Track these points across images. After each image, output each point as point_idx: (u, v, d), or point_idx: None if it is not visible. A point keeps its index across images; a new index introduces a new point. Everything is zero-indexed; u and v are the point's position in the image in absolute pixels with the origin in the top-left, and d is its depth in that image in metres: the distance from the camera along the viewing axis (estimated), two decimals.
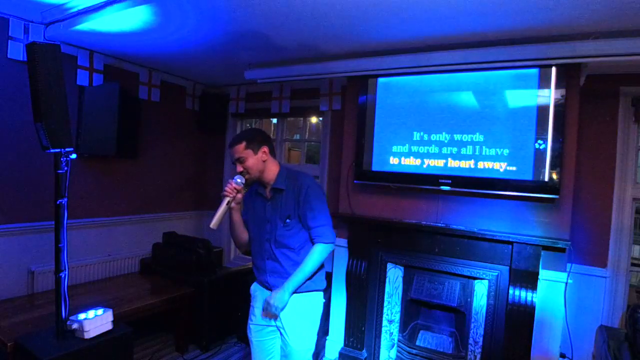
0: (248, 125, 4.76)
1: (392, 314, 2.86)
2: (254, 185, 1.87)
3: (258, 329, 1.87)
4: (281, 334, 1.81)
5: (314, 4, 2.06)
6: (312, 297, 1.81)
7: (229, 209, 1.78)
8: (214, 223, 1.71)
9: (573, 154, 2.38)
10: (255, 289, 1.91)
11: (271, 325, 1.83)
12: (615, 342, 2.28)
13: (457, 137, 2.58)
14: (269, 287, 1.81)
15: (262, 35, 2.59)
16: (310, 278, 1.75)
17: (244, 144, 1.74)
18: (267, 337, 1.86)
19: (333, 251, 3.11)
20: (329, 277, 3.12)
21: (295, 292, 1.74)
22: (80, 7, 2.40)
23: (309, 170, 3.92)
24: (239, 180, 1.73)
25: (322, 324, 2.98)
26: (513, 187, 2.41)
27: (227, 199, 1.72)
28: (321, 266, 1.82)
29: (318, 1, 2.03)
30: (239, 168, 1.75)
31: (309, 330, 1.81)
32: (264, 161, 1.77)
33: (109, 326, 1.99)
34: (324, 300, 1.88)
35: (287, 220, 1.75)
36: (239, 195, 1.76)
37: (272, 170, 1.80)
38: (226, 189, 1.72)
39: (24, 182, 2.78)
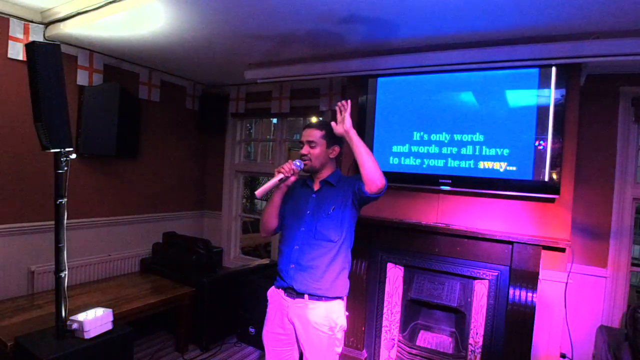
0: (248, 125, 4.76)
1: (392, 314, 2.85)
2: (303, 177, 1.85)
3: (274, 337, 1.81)
4: (299, 343, 1.77)
5: (315, 4, 2.06)
6: (332, 306, 1.72)
7: (278, 187, 1.75)
8: (259, 191, 1.66)
9: (573, 154, 2.38)
10: (272, 294, 1.85)
11: (289, 335, 1.78)
12: (615, 342, 2.28)
13: (457, 137, 2.58)
14: (288, 283, 1.74)
15: (263, 35, 2.59)
16: (367, 162, 1.59)
17: (323, 132, 1.77)
18: (285, 346, 1.80)
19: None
20: None
21: (314, 296, 1.69)
22: (80, 7, 2.40)
23: None
24: (298, 164, 1.72)
25: None
26: (513, 187, 2.42)
27: (281, 176, 1.68)
28: (345, 271, 1.77)
29: (318, 2, 2.03)
30: (304, 150, 1.77)
31: (327, 342, 1.71)
32: (330, 158, 1.80)
33: (109, 326, 1.99)
34: (346, 312, 1.80)
35: (330, 212, 1.73)
36: (292, 179, 1.73)
37: (329, 169, 1.83)
38: (284, 166, 1.70)
39: (23, 182, 2.78)
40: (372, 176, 1.59)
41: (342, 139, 1.79)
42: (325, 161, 1.79)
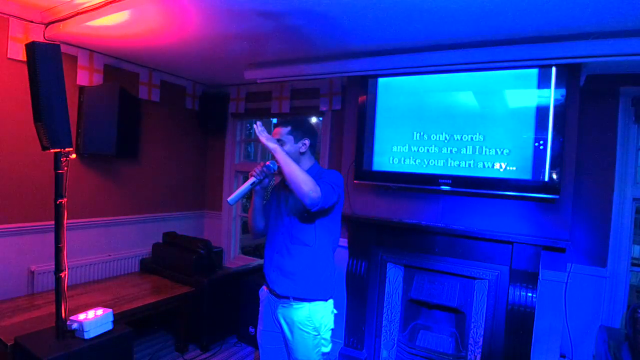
0: (248, 125, 4.76)
1: (392, 314, 2.86)
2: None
3: (267, 335, 1.83)
4: (286, 343, 1.77)
5: (315, 4, 2.06)
6: (317, 306, 1.72)
7: (252, 190, 1.73)
8: (231, 198, 1.65)
9: (573, 154, 2.38)
10: (263, 293, 1.87)
11: (278, 332, 1.79)
12: (615, 342, 2.28)
13: (457, 137, 2.58)
14: (271, 286, 1.77)
15: (263, 35, 2.59)
16: (288, 176, 1.54)
17: (289, 128, 1.74)
18: (278, 344, 1.81)
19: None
20: None
21: (299, 299, 1.70)
22: (81, 7, 2.40)
23: None
24: (270, 165, 1.67)
25: None
26: (513, 187, 2.41)
27: (252, 179, 1.67)
28: (328, 273, 1.76)
29: (318, 2, 2.03)
30: None
31: (312, 342, 1.71)
32: (301, 153, 1.75)
33: (109, 326, 1.99)
34: (333, 311, 1.79)
35: (305, 215, 1.71)
36: (266, 181, 1.72)
37: (304, 165, 1.75)
38: (255, 169, 1.68)
39: (23, 182, 2.78)
40: (298, 191, 1.53)
41: (312, 132, 1.79)
42: (296, 158, 1.72)
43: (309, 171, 1.73)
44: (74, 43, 2.93)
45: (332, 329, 1.79)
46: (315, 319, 1.71)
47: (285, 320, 1.73)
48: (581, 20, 2.04)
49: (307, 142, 1.76)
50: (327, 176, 1.70)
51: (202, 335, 3.05)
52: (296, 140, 1.74)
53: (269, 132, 1.68)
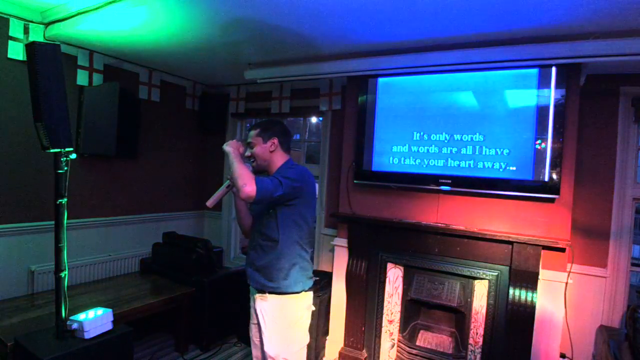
0: (248, 125, 4.76)
1: (392, 314, 2.85)
2: None
3: (254, 329, 1.90)
4: (261, 336, 1.81)
5: (315, 4, 2.06)
6: (290, 299, 1.76)
7: (229, 192, 1.83)
8: (209, 202, 1.78)
9: (573, 154, 2.38)
10: (251, 289, 1.93)
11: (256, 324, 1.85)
12: (615, 342, 2.29)
13: (457, 137, 2.58)
14: (249, 282, 1.86)
15: (263, 35, 2.59)
16: (232, 171, 1.64)
17: (258, 130, 1.84)
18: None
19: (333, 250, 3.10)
20: (329, 277, 3.14)
21: (272, 293, 1.76)
22: (81, 7, 2.40)
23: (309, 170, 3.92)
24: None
25: (323, 324, 2.99)
26: (513, 187, 2.42)
27: (227, 182, 1.78)
28: (298, 267, 1.77)
29: (319, 2, 2.03)
30: (247, 153, 1.83)
31: (281, 335, 1.75)
32: (271, 152, 1.83)
33: (109, 326, 1.99)
34: (305, 304, 1.81)
35: (271, 211, 1.76)
36: None
37: (276, 163, 1.84)
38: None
39: (24, 182, 2.78)
40: (235, 186, 1.62)
41: (280, 131, 1.86)
42: (267, 157, 1.83)
43: (281, 167, 1.82)
44: (74, 43, 2.93)
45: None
46: (288, 312, 1.76)
47: (260, 313, 1.79)
48: (581, 20, 2.04)
49: (275, 140, 1.83)
50: (285, 171, 1.77)
51: (202, 335, 3.04)
52: (265, 141, 1.82)
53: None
